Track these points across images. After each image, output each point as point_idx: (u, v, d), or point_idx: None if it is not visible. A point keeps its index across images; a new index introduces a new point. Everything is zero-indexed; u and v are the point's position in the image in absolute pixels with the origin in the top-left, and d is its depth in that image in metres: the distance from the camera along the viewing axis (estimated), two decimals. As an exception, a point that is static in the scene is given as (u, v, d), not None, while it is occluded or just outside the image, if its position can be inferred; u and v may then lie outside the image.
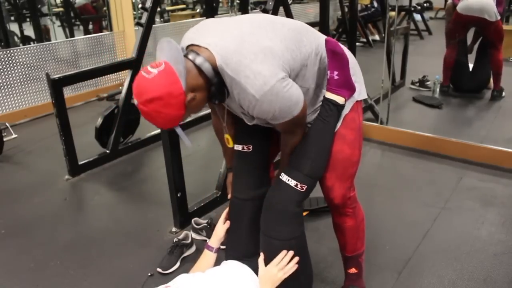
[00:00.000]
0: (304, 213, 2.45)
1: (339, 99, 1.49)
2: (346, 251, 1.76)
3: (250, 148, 1.64)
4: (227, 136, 1.64)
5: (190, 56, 1.30)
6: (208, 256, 1.63)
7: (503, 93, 4.39)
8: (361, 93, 1.60)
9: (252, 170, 1.66)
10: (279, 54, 1.32)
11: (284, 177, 1.50)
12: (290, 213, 1.48)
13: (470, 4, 4.04)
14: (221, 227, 1.67)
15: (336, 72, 1.46)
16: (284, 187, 1.49)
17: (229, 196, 1.75)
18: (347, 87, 1.50)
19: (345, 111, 1.55)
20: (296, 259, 1.48)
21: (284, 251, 1.49)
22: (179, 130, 1.39)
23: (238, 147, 1.67)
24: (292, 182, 1.47)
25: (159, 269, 2.06)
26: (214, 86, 1.32)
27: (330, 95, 1.49)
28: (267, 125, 1.51)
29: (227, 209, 1.72)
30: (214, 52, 1.29)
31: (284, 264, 1.46)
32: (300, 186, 1.47)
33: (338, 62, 1.45)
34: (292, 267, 1.46)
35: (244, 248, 1.61)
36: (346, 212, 1.67)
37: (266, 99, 1.29)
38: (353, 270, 1.79)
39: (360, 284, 1.81)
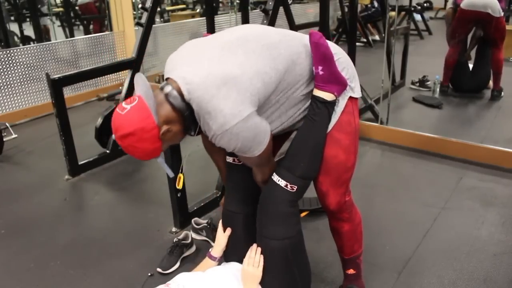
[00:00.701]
0: (304, 213, 2.45)
1: (327, 96, 1.44)
2: (344, 254, 1.76)
3: (241, 161, 1.62)
4: (180, 175, 1.75)
5: (165, 90, 1.32)
6: (209, 264, 1.64)
7: (502, 93, 4.39)
8: (354, 91, 1.53)
9: (242, 183, 1.65)
10: (246, 85, 1.28)
11: (275, 177, 1.49)
12: (282, 212, 1.48)
13: (474, 0, 4.04)
14: (223, 236, 1.66)
15: (320, 67, 1.41)
16: (274, 187, 1.48)
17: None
18: (335, 82, 1.44)
19: (339, 110, 1.50)
20: (259, 249, 1.51)
21: (253, 247, 1.52)
22: (160, 160, 1.43)
23: (229, 159, 1.66)
24: (282, 183, 1.46)
25: (159, 269, 2.06)
26: (186, 119, 1.33)
27: (317, 92, 1.44)
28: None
29: (221, 221, 1.73)
30: (182, 86, 1.30)
31: (256, 260, 1.48)
32: (290, 186, 1.46)
33: (322, 55, 1.40)
34: (260, 257, 1.49)
35: (242, 253, 1.60)
36: (342, 217, 1.65)
37: (225, 136, 1.29)
38: (351, 271, 1.79)
39: (359, 283, 1.81)
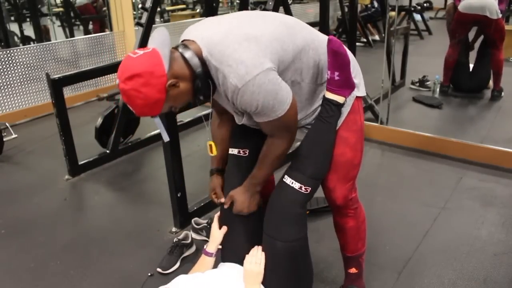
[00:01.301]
0: (304, 213, 2.45)
1: (340, 99, 1.47)
2: (347, 251, 1.76)
3: (247, 152, 1.62)
4: (210, 142, 1.60)
5: (180, 48, 1.31)
6: (206, 261, 1.63)
7: (503, 93, 4.39)
8: (360, 89, 1.57)
9: (246, 177, 1.62)
10: (266, 43, 1.30)
11: (287, 180, 1.48)
12: (294, 214, 1.48)
13: (471, 2, 4.05)
14: (218, 233, 1.65)
15: (337, 73, 1.43)
16: (287, 189, 1.48)
17: (219, 201, 1.70)
18: (348, 86, 1.48)
19: (345, 110, 1.52)
20: (260, 248, 1.52)
21: (255, 248, 1.52)
22: (157, 121, 1.37)
23: (234, 151, 1.64)
24: (296, 185, 1.46)
25: (159, 269, 2.06)
26: (198, 78, 1.30)
27: (330, 95, 1.47)
28: (257, 127, 1.48)
29: (218, 213, 1.72)
30: (201, 43, 1.30)
31: (258, 258, 1.48)
32: (304, 188, 1.46)
33: (340, 62, 1.43)
34: (262, 256, 1.49)
35: (241, 252, 1.59)
36: (347, 213, 1.66)
37: (247, 89, 1.26)
38: (353, 270, 1.79)
39: (360, 283, 1.81)
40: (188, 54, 1.29)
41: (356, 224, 1.69)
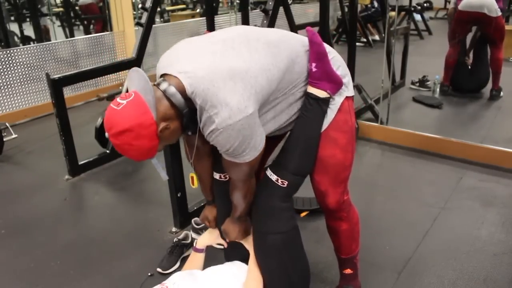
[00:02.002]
0: (304, 213, 2.45)
1: (320, 93, 1.43)
2: (341, 253, 1.75)
3: (227, 177, 1.58)
4: (192, 175, 1.61)
5: (161, 86, 1.26)
6: (197, 257, 1.68)
7: (501, 93, 4.39)
8: (349, 88, 1.52)
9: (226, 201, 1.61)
10: (252, 82, 1.26)
11: (268, 172, 1.49)
12: (273, 207, 1.48)
13: (470, 1, 4.06)
14: (208, 235, 1.71)
15: (314, 64, 1.41)
16: (266, 181, 1.49)
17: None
18: (328, 80, 1.43)
19: (335, 108, 1.48)
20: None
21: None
22: (154, 162, 1.37)
23: (216, 176, 1.63)
24: (273, 177, 1.47)
25: (159, 269, 2.06)
26: (185, 116, 1.28)
27: (310, 89, 1.44)
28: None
29: (209, 215, 1.74)
30: (183, 80, 1.25)
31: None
32: (281, 181, 1.46)
33: (315, 53, 1.41)
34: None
35: (243, 250, 1.61)
36: (340, 216, 1.64)
37: (226, 132, 1.24)
38: (348, 271, 1.78)
39: (356, 283, 1.81)
40: (172, 94, 1.24)
41: (349, 227, 1.68)
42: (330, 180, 1.54)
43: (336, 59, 1.50)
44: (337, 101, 1.49)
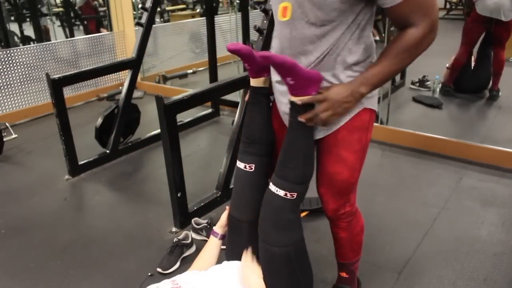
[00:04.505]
0: (304, 213, 2.45)
1: (304, 99, 1.32)
2: (338, 257, 1.76)
3: (253, 167, 1.55)
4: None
5: None
6: (213, 242, 1.63)
7: (500, 93, 4.40)
8: (370, 100, 1.42)
9: (252, 192, 1.57)
10: None
11: (272, 188, 1.43)
12: (285, 221, 1.44)
13: (488, 4, 4.01)
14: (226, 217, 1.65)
15: (289, 78, 1.28)
16: (274, 197, 1.43)
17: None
18: (309, 83, 1.30)
19: (344, 119, 1.40)
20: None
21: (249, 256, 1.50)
22: None
23: (241, 165, 1.58)
24: (281, 192, 1.41)
25: (159, 269, 2.06)
26: None
27: (294, 98, 1.34)
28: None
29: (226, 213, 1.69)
30: None
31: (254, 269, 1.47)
32: (290, 194, 1.41)
33: (285, 70, 1.27)
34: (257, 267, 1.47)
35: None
36: (339, 224, 1.63)
37: None
38: (344, 274, 1.78)
39: (352, 286, 1.81)
40: None
41: (348, 236, 1.66)
42: (333, 193, 1.53)
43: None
44: (351, 113, 1.39)
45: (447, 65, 4.68)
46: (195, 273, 1.50)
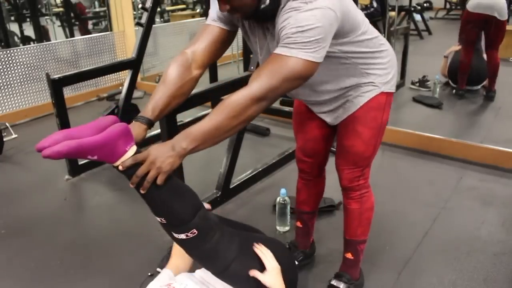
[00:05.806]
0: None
1: (120, 164, 1.28)
2: (346, 234, 1.79)
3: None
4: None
5: None
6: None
7: (495, 93, 4.40)
8: (387, 84, 1.60)
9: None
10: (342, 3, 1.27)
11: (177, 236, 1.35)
12: None
13: (480, 1, 3.99)
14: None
15: (89, 156, 1.24)
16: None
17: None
18: (112, 146, 1.24)
19: (362, 100, 1.53)
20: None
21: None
22: None
23: (181, 236, 1.40)
24: (182, 236, 1.34)
25: (159, 269, 2.06)
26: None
27: (115, 165, 1.30)
28: None
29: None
30: None
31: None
32: (191, 233, 1.33)
33: (75, 156, 1.25)
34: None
35: None
36: (352, 195, 1.71)
37: (314, 11, 1.18)
38: (349, 255, 1.80)
39: (354, 273, 1.82)
40: None
41: (358, 208, 1.72)
42: (348, 163, 1.65)
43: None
44: (368, 94, 1.53)
45: (445, 54, 4.72)
46: (193, 275, 1.50)
